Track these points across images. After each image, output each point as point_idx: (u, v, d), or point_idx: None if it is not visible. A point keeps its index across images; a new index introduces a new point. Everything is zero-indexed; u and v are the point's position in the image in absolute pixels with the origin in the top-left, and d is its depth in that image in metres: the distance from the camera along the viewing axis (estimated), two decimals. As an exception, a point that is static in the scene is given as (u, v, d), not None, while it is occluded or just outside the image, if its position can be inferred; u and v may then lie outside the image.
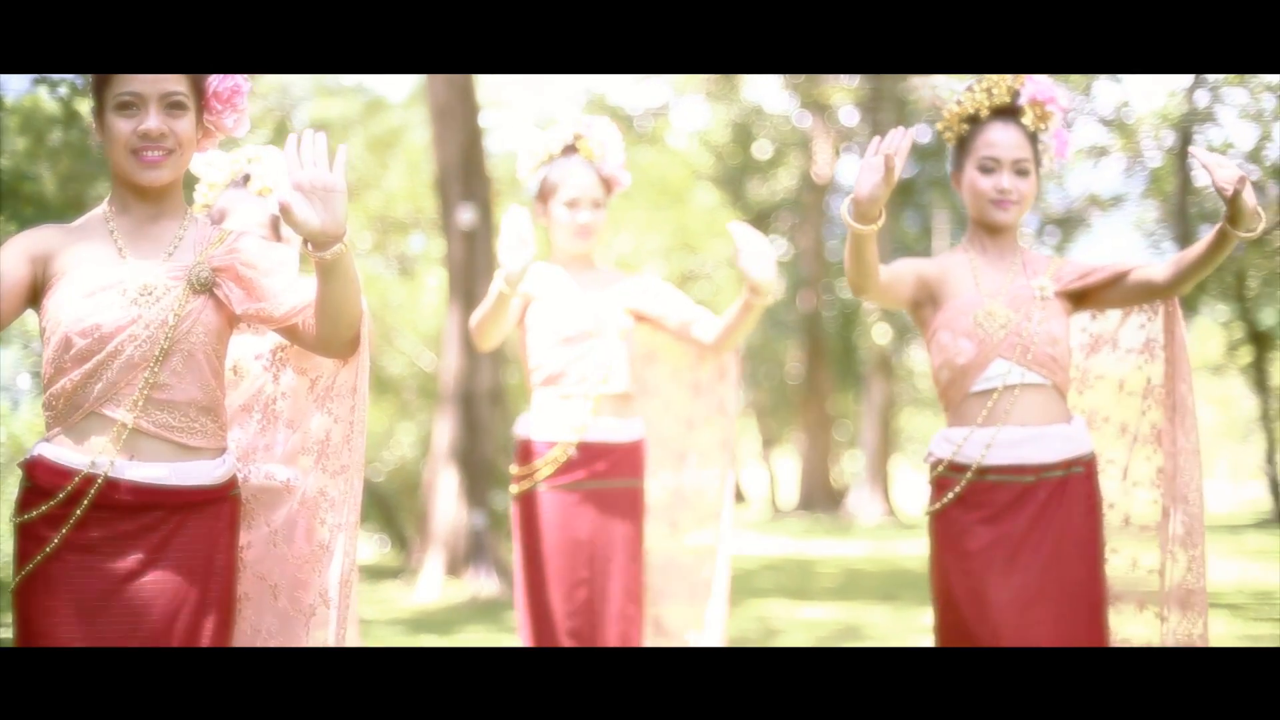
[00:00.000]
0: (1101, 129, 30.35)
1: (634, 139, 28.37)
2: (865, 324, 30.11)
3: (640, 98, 29.48)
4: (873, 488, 29.33)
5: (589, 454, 5.01)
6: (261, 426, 3.65)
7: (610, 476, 5.04)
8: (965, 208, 4.42)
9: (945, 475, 4.30)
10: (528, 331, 5.12)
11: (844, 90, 29.17)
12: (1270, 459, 32.89)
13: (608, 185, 5.13)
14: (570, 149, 5.14)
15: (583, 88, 28.28)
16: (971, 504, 4.22)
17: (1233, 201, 3.88)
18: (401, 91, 22.62)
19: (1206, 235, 4.04)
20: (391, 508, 17.87)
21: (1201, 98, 25.44)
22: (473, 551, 13.92)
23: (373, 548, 18.66)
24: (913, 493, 37.59)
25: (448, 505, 14.11)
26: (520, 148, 5.22)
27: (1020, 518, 4.17)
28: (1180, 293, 4.29)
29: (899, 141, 3.82)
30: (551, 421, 5.05)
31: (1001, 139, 4.33)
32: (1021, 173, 4.33)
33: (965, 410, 4.30)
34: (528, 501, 5.05)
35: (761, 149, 32.45)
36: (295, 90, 21.24)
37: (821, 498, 30.90)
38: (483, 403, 14.16)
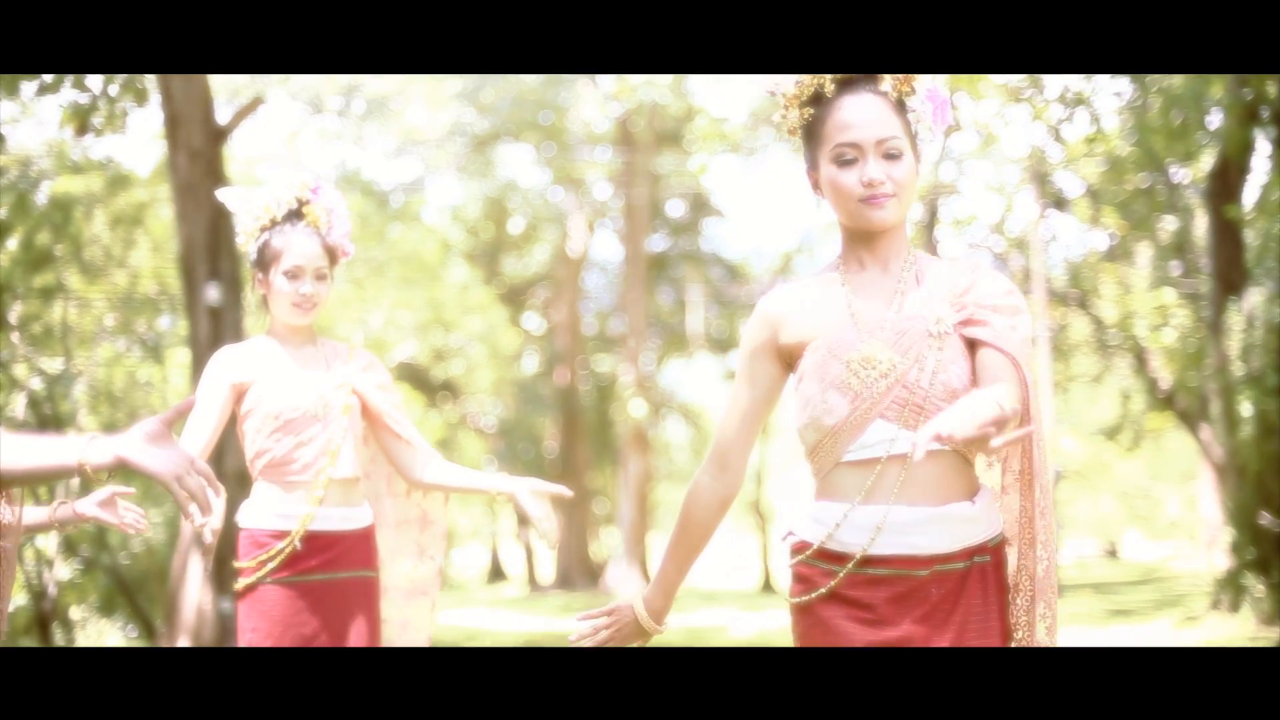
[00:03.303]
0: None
1: (388, 215, 28.14)
2: (621, 398, 30.16)
3: (394, 173, 29.29)
4: (631, 562, 29.32)
5: (317, 544, 4.72)
6: None
7: (339, 567, 4.76)
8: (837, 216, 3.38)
9: (811, 564, 3.28)
10: (246, 417, 4.80)
11: (597, 165, 29.34)
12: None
13: (332, 255, 4.83)
14: (294, 215, 4.83)
15: (337, 161, 27.99)
16: (848, 601, 3.24)
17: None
18: (147, 167, 21.99)
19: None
20: (138, 594, 17.30)
21: (947, 170, 26.13)
22: (220, 638, 13.53)
23: (119, 636, 18.05)
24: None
25: (194, 591, 13.70)
26: (240, 211, 4.89)
27: (906, 620, 3.22)
28: None
29: None
30: (275, 511, 4.76)
31: (857, 117, 3.25)
32: (891, 155, 3.24)
33: (838, 483, 3.27)
34: (253, 596, 4.76)
35: (515, 224, 32.47)
36: (38, 165, 20.62)
37: (580, 573, 30.79)
38: (230, 485, 13.77)
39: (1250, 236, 16.87)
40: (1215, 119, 16.15)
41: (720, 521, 3.45)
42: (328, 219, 4.80)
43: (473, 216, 31.81)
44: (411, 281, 26.84)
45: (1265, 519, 15.03)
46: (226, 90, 17.72)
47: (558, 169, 30.05)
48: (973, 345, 3.27)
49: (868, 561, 3.20)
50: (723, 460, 3.42)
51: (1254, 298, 16.11)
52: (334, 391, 4.80)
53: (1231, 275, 16.40)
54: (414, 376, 29.15)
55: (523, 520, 38.44)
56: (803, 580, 3.29)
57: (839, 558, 3.23)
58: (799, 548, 3.31)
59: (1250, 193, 17.10)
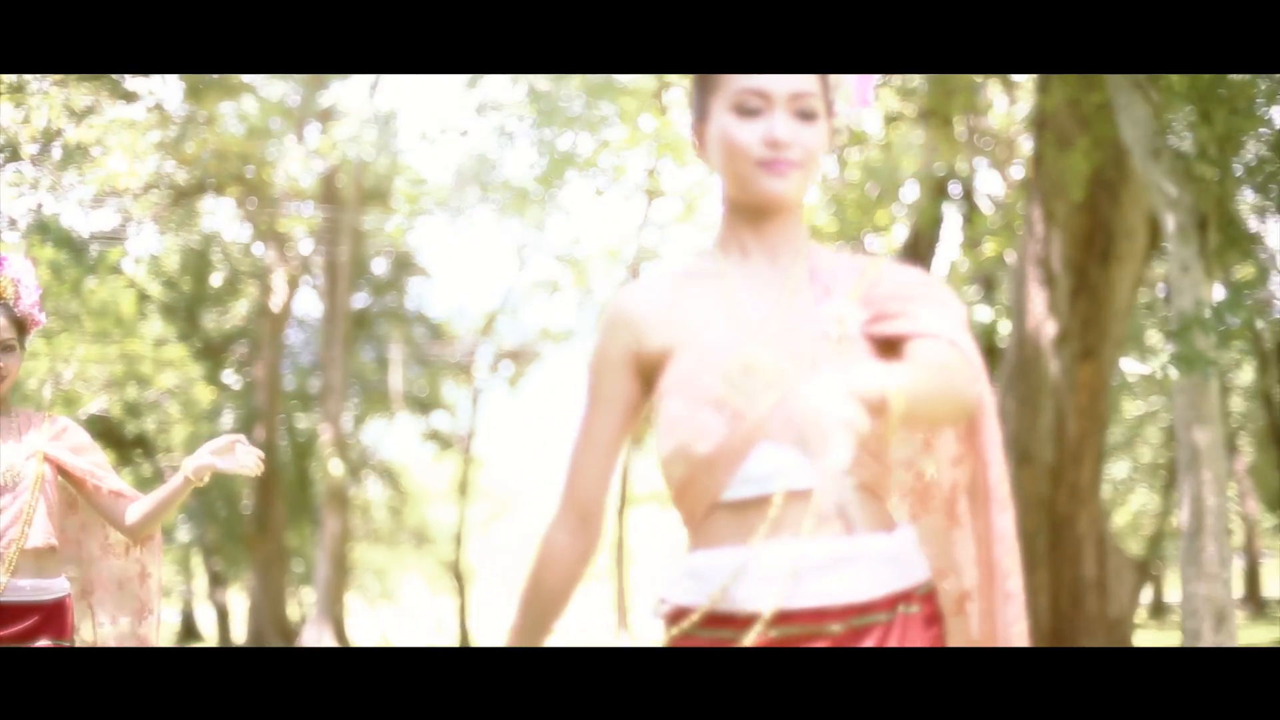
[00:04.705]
0: (555, 263, 31.27)
1: (84, 265, 27.45)
2: (320, 457, 29.83)
3: (92, 222, 28.60)
4: (326, 624, 28.94)
5: (9, 615, 4.65)
6: None
7: (33, 637, 4.70)
8: (722, 182, 2.67)
9: (696, 634, 2.54)
10: None
11: (300, 221, 29.04)
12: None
13: (21, 326, 4.77)
14: None
15: (30, 206, 27.20)
16: None
17: None
18: None
19: None
20: None
21: (650, 236, 26.56)
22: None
23: None
24: (366, 628, 37.26)
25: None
26: None
27: None
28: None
29: None
30: None
31: None
32: (805, 115, 2.56)
33: (718, 529, 2.54)
34: None
35: (216, 278, 31.97)
36: None
37: (274, 633, 30.26)
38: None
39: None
40: (909, 192, 16.79)
41: (579, 583, 2.74)
42: (14, 290, 4.73)
43: (172, 269, 31.23)
44: (106, 335, 26.18)
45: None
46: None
47: (261, 223, 29.68)
48: (888, 350, 2.56)
49: (767, 621, 2.46)
50: (582, 509, 2.71)
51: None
52: (24, 462, 4.72)
53: (920, 343, 17.03)
54: (106, 431, 28.41)
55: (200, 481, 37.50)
56: None
57: (732, 621, 2.48)
58: (676, 615, 2.56)
59: (940, 264, 17.80)
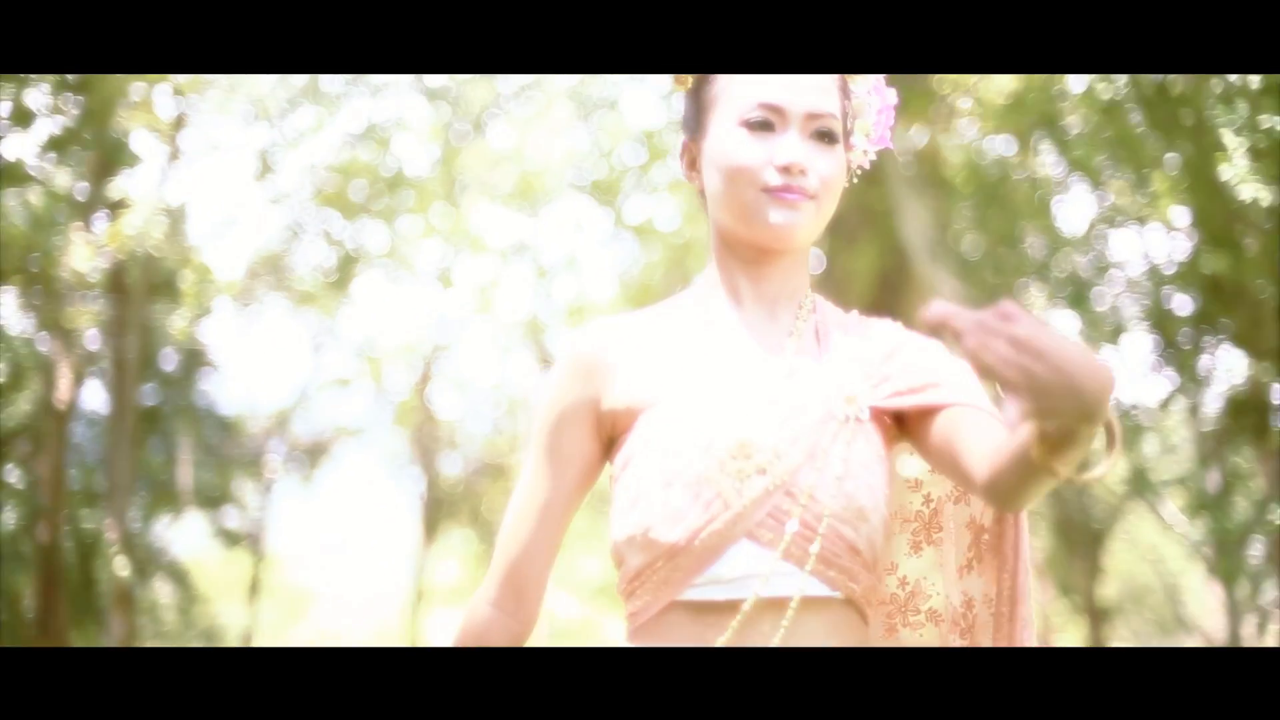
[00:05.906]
0: (348, 358, 30.98)
1: None
2: (106, 555, 29.12)
3: None
4: (111, 727, 28.20)
5: None
6: None
7: None
8: (710, 216, 2.24)
9: None
10: None
11: (87, 313, 28.50)
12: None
13: None
14: None
15: None
16: None
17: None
18: None
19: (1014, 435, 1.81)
20: None
21: (443, 331, 26.43)
22: None
23: None
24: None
25: None
26: None
27: None
28: (1008, 509, 2.07)
29: None
30: None
31: (787, 74, 2.15)
32: (823, 137, 2.14)
33: (666, 631, 2.09)
34: None
35: (-3, 372, 31.21)
36: None
37: (56, 740, 29.39)
38: None
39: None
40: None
41: None
42: None
43: (-51, 363, 30.42)
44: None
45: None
46: None
47: (45, 316, 29.06)
48: (898, 424, 2.15)
49: None
50: (518, 586, 2.23)
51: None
52: None
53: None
54: (-122, 531, 27.49)
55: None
56: None
57: None
58: None
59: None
